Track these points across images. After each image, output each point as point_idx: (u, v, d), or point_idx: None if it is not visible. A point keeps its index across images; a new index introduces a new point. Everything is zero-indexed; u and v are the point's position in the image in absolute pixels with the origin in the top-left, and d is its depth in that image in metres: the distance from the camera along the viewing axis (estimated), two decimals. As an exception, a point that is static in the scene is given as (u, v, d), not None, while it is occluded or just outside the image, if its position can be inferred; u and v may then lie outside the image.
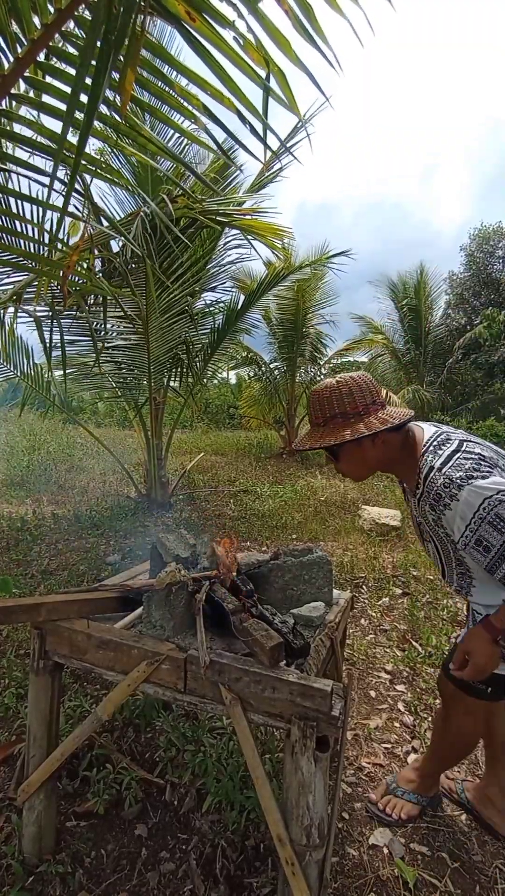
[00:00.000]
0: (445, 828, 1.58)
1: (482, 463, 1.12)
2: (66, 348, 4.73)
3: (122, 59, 0.87)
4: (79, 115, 1.21)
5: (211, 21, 0.86)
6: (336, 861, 1.44)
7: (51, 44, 0.99)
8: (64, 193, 1.44)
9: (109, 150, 4.49)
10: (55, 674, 1.42)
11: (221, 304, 5.50)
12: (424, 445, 1.23)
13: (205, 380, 5.96)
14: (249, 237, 3.47)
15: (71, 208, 1.59)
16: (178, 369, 5.22)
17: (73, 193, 1.70)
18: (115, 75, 0.98)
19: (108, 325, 4.61)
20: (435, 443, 1.22)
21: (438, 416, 12.38)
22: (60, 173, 1.53)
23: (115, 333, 4.80)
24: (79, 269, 2.35)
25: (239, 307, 5.31)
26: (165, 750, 1.79)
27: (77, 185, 1.75)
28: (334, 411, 1.25)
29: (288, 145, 3.92)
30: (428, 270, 12.57)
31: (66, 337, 4.57)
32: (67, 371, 5.22)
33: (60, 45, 1.03)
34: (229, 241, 4.89)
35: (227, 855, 1.43)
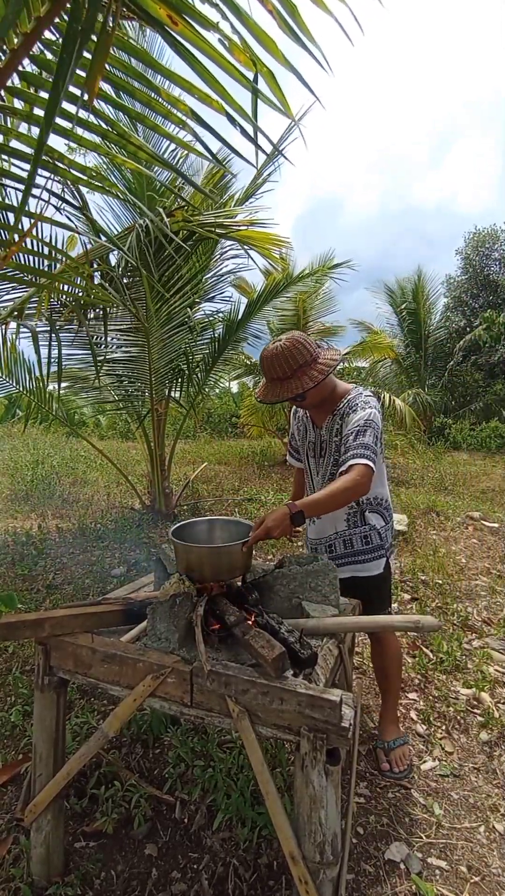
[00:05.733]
0: (463, 841, 1.54)
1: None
2: (67, 362, 4.76)
3: (88, 56, 0.87)
4: (64, 124, 1.22)
5: (194, 24, 0.86)
6: (351, 878, 1.40)
7: (35, 54, 0.99)
8: (58, 206, 1.44)
9: (106, 166, 4.55)
10: (60, 690, 1.40)
11: (221, 315, 5.52)
12: (350, 386, 1.76)
13: (206, 390, 5.95)
14: (247, 248, 3.49)
15: (67, 223, 1.59)
16: (180, 380, 5.22)
17: (71, 208, 1.71)
18: (84, 74, 0.98)
19: (109, 338, 4.63)
20: (357, 387, 1.77)
21: (440, 420, 12.34)
22: (56, 187, 1.53)
23: (115, 346, 4.81)
24: (78, 282, 2.37)
25: (239, 318, 5.33)
26: (174, 766, 1.76)
27: (76, 200, 1.76)
28: (298, 363, 1.58)
29: (281, 147, 3.97)
30: (425, 274, 12.62)
31: (66, 351, 4.61)
32: (69, 385, 5.24)
33: (47, 55, 1.04)
34: (226, 251, 4.91)
35: (239, 874, 1.39)
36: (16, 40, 0.85)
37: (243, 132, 1.00)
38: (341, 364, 1.90)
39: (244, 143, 1.10)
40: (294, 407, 1.92)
